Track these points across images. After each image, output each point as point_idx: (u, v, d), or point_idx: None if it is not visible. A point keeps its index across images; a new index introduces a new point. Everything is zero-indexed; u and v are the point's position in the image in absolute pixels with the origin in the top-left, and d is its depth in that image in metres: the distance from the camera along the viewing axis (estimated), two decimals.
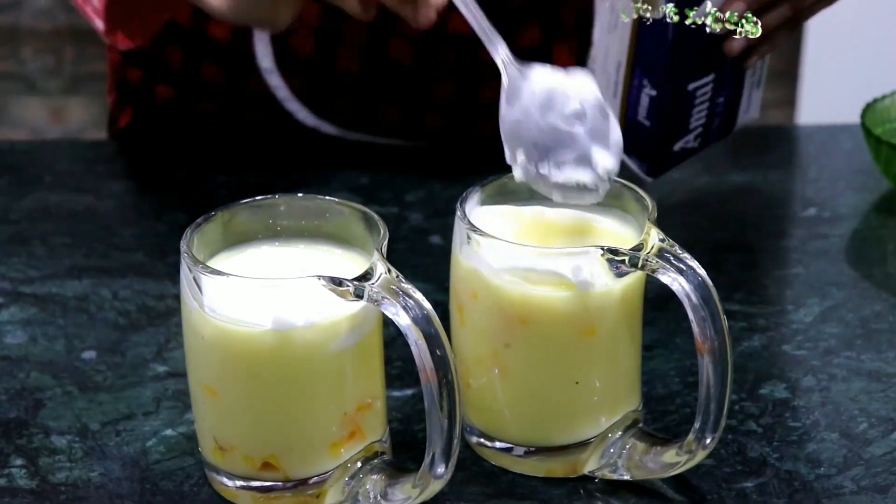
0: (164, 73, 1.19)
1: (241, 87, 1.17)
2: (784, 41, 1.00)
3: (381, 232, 0.73)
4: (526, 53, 1.14)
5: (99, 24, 1.03)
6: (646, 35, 0.96)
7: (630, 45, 0.97)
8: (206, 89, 1.18)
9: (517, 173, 0.76)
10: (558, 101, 0.74)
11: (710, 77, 0.97)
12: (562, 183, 0.74)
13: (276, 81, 1.16)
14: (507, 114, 0.75)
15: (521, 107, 0.75)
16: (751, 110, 1.03)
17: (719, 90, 0.99)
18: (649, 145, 1.00)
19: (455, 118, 1.18)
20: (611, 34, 0.98)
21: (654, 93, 0.96)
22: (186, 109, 1.20)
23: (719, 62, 0.97)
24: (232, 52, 1.15)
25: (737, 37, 0.92)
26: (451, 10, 1.10)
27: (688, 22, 0.83)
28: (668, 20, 0.83)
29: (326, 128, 1.19)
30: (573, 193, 0.75)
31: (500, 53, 0.76)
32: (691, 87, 0.97)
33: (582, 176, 0.74)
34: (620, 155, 0.75)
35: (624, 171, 1.00)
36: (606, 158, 0.74)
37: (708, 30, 0.83)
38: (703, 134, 1.01)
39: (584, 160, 0.74)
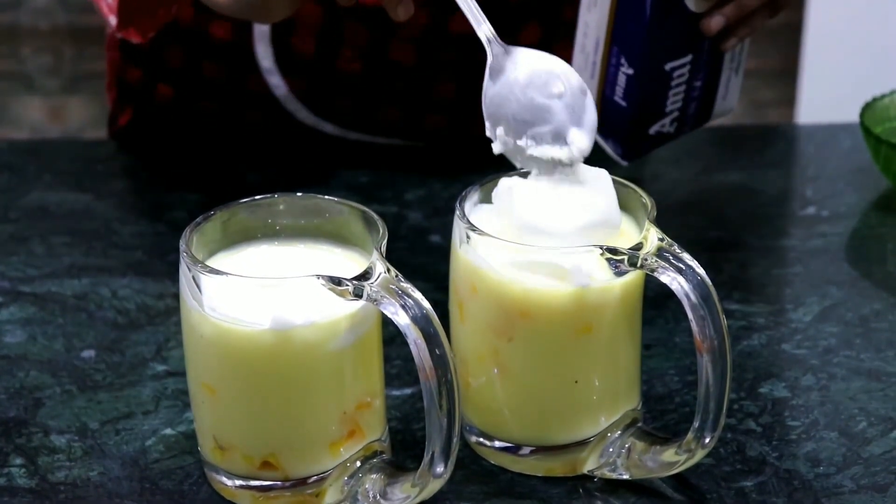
0: (164, 72, 1.19)
1: (241, 86, 1.17)
2: (762, 24, 1.00)
3: (381, 231, 0.73)
4: None
5: (112, 21, 1.03)
6: (624, 11, 0.96)
7: (608, 23, 0.97)
8: (206, 88, 1.18)
9: (496, 147, 0.78)
10: (539, 78, 0.77)
11: (688, 58, 0.97)
12: (537, 157, 0.77)
13: (276, 81, 1.16)
14: (490, 89, 0.78)
15: (503, 82, 0.78)
16: (728, 98, 1.03)
17: (696, 73, 0.99)
18: (625, 127, 1.00)
19: (455, 118, 1.18)
20: (590, 12, 0.98)
21: (630, 71, 0.97)
22: (186, 108, 1.20)
23: (697, 43, 0.97)
24: (232, 52, 1.15)
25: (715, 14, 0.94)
26: (450, 10, 1.10)
27: None
28: None
29: (326, 127, 1.19)
30: (547, 167, 0.77)
31: (485, 31, 0.78)
32: (668, 66, 0.97)
33: (557, 153, 0.76)
34: (595, 135, 0.77)
35: (599, 153, 0.99)
36: (581, 138, 0.77)
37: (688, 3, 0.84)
38: (680, 119, 1.01)
39: (560, 137, 0.77)
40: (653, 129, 1.00)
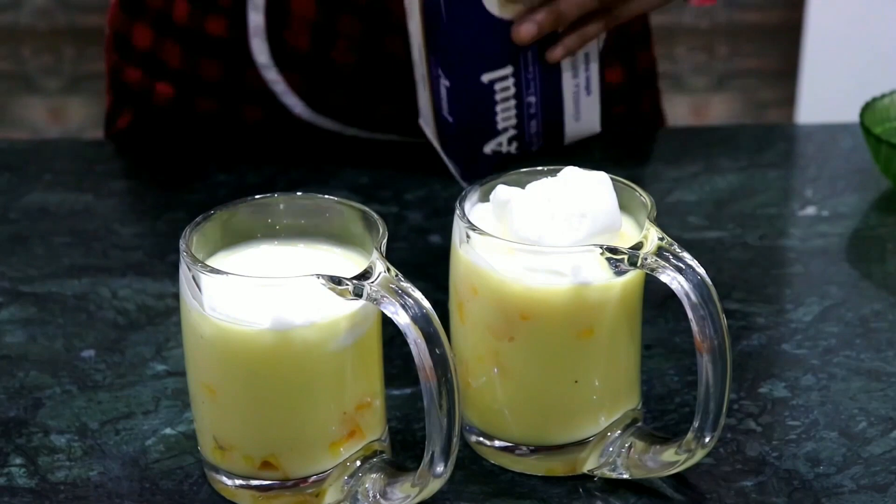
0: (163, 72, 1.19)
1: (238, 83, 1.17)
2: (596, 34, 0.95)
3: (381, 231, 0.73)
4: None
5: None
6: (429, 19, 0.91)
7: (422, 32, 0.92)
8: (204, 87, 1.18)
9: None
10: None
11: (508, 70, 0.92)
12: None
13: (273, 76, 1.16)
14: None
15: None
16: (583, 119, 0.98)
17: (526, 87, 0.94)
18: (456, 144, 0.96)
19: None
20: (411, 20, 0.93)
21: (448, 83, 0.92)
22: (185, 108, 1.20)
23: (517, 54, 0.92)
24: (228, 48, 1.15)
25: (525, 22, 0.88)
26: None
27: None
28: None
29: (324, 123, 1.19)
30: None
31: None
32: (486, 78, 0.92)
33: None
34: None
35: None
36: None
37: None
38: (519, 137, 0.96)
39: None
40: (487, 148, 0.95)
